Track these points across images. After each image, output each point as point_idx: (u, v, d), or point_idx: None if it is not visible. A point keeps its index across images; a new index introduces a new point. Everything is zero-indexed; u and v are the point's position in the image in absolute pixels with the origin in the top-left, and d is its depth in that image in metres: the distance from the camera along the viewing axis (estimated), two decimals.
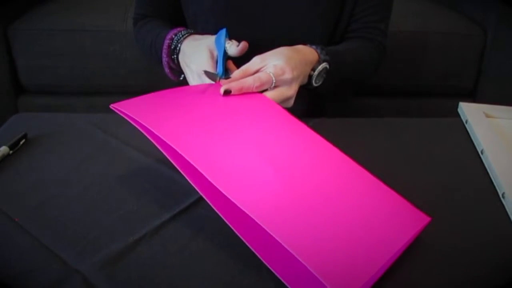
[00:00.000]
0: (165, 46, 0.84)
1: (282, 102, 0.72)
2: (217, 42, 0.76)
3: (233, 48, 0.74)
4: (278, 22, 0.86)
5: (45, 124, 0.77)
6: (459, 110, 0.85)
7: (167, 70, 0.87)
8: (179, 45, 0.82)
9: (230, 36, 0.76)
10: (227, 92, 0.68)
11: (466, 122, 0.81)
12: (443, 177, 0.69)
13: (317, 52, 0.78)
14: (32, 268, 0.52)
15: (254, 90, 0.69)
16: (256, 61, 0.72)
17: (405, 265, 0.53)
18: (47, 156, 0.71)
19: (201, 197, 0.62)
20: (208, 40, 0.78)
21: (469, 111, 0.82)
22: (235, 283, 0.51)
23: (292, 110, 0.93)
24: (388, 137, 0.78)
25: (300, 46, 0.77)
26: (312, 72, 0.77)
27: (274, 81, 0.70)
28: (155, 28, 0.90)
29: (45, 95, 1.58)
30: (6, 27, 1.49)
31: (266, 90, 0.72)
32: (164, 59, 0.85)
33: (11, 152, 0.70)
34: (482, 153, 0.73)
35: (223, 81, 0.70)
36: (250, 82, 0.69)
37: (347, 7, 0.90)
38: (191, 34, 0.83)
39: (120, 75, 1.51)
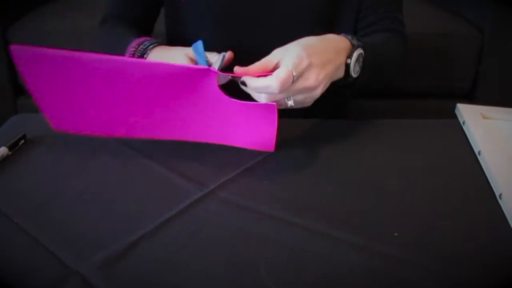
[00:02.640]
0: (128, 54, 0.80)
1: (303, 94, 0.67)
2: (196, 51, 0.72)
3: (216, 58, 0.70)
4: (272, 22, 0.85)
5: (44, 125, 0.77)
6: (456, 111, 0.85)
7: None
8: (147, 52, 0.78)
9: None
10: (243, 84, 0.64)
11: (464, 123, 0.81)
12: (441, 178, 0.69)
13: (348, 39, 0.74)
14: (32, 268, 0.52)
15: (275, 91, 0.63)
16: (276, 53, 0.67)
17: (403, 266, 0.53)
18: (46, 156, 0.71)
19: (200, 198, 0.63)
20: (185, 49, 0.74)
21: (466, 112, 0.82)
22: (234, 282, 0.51)
23: (292, 112, 0.93)
24: (386, 138, 0.78)
25: (328, 35, 0.72)
26: (349, 60, 0.72)
27: (295, 75, 0.63)
28: (122, 35, 0.87)
29: None
30: (5, 28, 1.49)
31: None
32: None
33: (10, 153, 0.70)
34: (479, 154, 0.73)
35: (241, 69, 0.66)
36: (267, 82, 0.63)
37: (346, 4, 0.88)
38: (159, 44, 0.80)
39: None
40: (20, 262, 0.53)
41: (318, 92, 0.68)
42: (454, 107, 0.85)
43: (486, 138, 0.75)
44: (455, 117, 0.84)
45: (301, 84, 0.65)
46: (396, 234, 0.58)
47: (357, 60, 0.73)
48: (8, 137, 0.73)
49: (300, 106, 0.68)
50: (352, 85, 0.76)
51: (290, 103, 0.67)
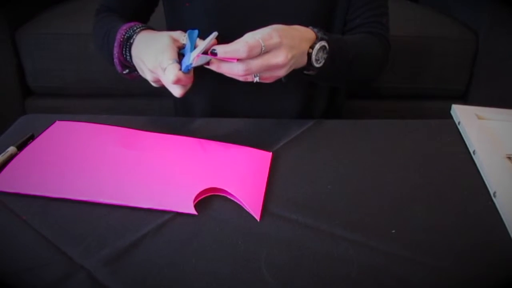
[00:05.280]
0: (118, 36, 0.80)
1: (270, 71, 0.70)
2: (190, 37, 0.72)
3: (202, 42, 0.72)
4: (269, 24, 0.86)
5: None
6: (451, 112, 0.85)
7: (116, 60, 0.82)
8: (134, 35, 0.78)
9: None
10: (212, 53, 0.65)
11: (459, 123, 0.81)
12: (437, 177, 0.69)
13: (314, 31, 0.76)
14: (39, 264, 0.53)
15: (242, 55, 0.65)
16: (247, 35, 0.69)
17: (400, 263, 0.54)
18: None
19: (203, 197, 0.64)
20: (171, 32, 0.75)
21: (461, 113, 0.82)
22: (236, 278, 0.52)
23: (286, 110, 0.94)
24: (382, 138, 0.79)
25: (296, 26, 0.75)
26: (311, 50, 0.75)
27: (263, 46, 0.66)
28: (114, 21, 0.87)
29: (51, 97, 1.59)
30: (14, 31, 1.50)
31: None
32: (116, 49, 0.81)
33: (18, 152, 0.71)
34: (474, 153, 0.73)
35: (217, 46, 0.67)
36: (236, 46, 0.66)
37: (339, 7, 0.90)
38: (148, 28, 0.80)
39: (124, 78, 1.53)
40: (28, 258, 0.54)
41: (283, 72, 0.71)
42: (449, 108, 0.86)
43: (480, 138, 0.75)
44: (450, 117, 0.85)
45: (271, 60, 0.68)
46: (393, 231, 0.58)
47: (320, 51, 0.76)
48: (17, 136, 0.74)
49: (264, 82, 0.71)
50: (317, 76, 0.79)
51: (256, 79, 0.69)
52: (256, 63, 0.67)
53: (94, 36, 0.93)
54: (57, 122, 0.78)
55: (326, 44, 0.76)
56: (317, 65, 0.76)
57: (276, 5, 0.88)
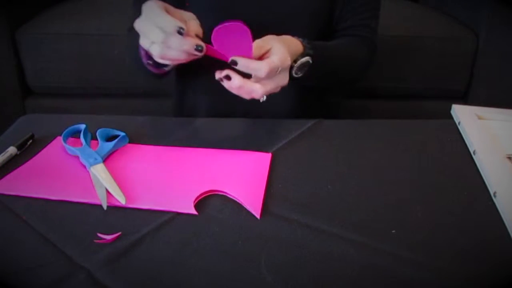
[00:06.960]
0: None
1: (275, 91, 0.71)
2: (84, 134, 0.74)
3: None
4: (269, 23, 0.85)
5: (51, 125, 0.78)
6: (452, 112, 0.85)
7: (145, 61, 0.78)
8: None
9: None
10: (233, 63, 0.65)
11: (459, 123, 0.81)
12: (437, 177, 0.69)
13: (303, 45, 0.76)
14: (39, 264, 0.53)
15: (261, 75, 0.66)
16: (269, 41, 0.69)
17: (401, 263, 0.54)
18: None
19: (203, 197, 0.64)
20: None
21: (461, 113, 0.83)
22: (235, 278, 0.52)
23: (279, 110, 0.94)
24: (382, 138, 0.79)
25: (287, 37, 0.75)
26: (294, 63, 0.75)
27: (279, 69, 0.68)
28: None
29: (51, 97, 1.60)
30: (14, 31, 1.51)
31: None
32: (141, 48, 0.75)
33: (18, 152, 0.72)
34: (474, 153, 0.73)
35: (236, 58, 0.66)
36: (259, 65, 0.66)
37: (338, 8, 0.91)
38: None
39: (123, 78, 1.53)
40: (28, 258, 0.54)
41: (279, 90, 0.72)
42: (449, 108, 0.86)
43: (480, 138, 0.75)
44: (450, 117, 0.85)
45: (280, 82, 0.70)
46: (393, 231, 0.58)
47: (300, 66, 0.76)
48: (17, 136, 0.74)
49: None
50: (298, 81, 0.78)
51: (263, 99, 0.70)
52: (271, 85, 0.69)
53: (130, 51, 0.87)
54: (58, 138, 0.76)
55: (310, 60, 0.76)
56: (295, 76, 0.76)
57: (276, 4, 0.88)
